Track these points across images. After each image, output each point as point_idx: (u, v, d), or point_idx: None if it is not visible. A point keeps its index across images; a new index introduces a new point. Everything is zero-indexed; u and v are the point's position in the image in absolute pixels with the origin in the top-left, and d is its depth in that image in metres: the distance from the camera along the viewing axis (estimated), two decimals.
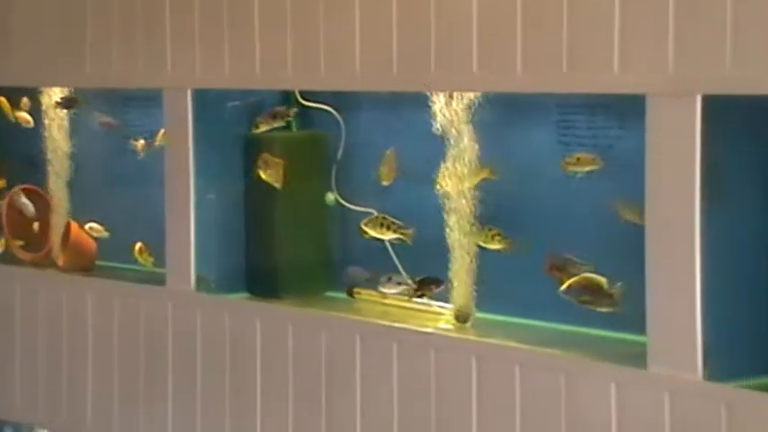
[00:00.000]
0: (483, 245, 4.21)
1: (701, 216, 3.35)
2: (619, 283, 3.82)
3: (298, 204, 4.63)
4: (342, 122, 4.63)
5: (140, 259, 5.20)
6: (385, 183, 4.37)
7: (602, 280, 3.83)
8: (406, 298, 4.40)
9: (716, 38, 3.27)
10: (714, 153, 3.35)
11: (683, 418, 3.39)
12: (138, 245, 5.21)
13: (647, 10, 3.42)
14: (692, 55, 3.35)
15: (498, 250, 4.18)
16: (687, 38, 3.35)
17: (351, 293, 4.58)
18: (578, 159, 3.96)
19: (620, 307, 3.82)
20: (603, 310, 3.84)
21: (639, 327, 3.58)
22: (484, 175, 4.18)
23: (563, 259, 3.96)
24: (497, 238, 4.18)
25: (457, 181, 4.17)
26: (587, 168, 3.92)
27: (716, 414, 3.32)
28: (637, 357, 3.53)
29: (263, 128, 4.64)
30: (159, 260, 4.89)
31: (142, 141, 5.12)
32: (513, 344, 3.93)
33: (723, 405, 3.31)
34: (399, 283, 4.39)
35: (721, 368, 3.38)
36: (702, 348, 3.37)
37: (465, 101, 4.18)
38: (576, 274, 3.87)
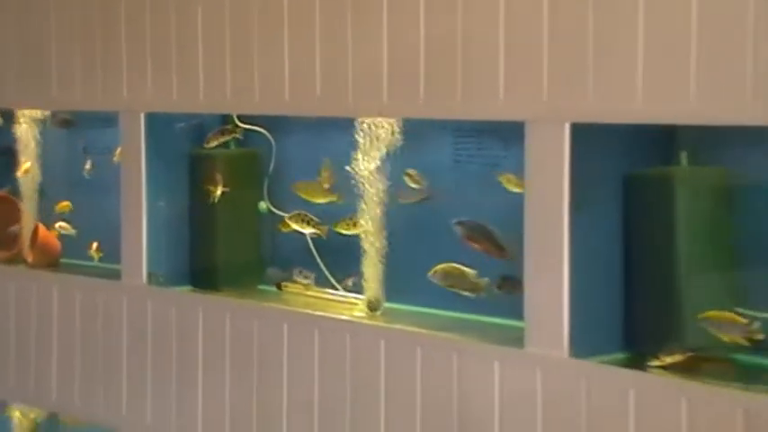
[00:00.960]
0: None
1: (568, 222, 3.46)
2: (485, 278, 3.96)
3: (234, 211, 4.66)
4: (273, 142, 4.67)
5: (94, 255, 5.22)
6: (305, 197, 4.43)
7: (467, 270, 3.96)
8: (326, 290, 4.47)
9: (581, 74, 3.37)
10: (579, 169, 3.45)
11: (553, 389, 3.50)
12: (95, 244, 5.23)
13: (527, 49, 3.49)
14: (562, 88, 3.44)
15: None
16: (558, 73, 3.44)
17: (279, 287, 4.61)
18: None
19: (483, 293, 3.96)
20: (467, 294, 3.97)
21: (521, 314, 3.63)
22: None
23: (477, 226, 4.01)
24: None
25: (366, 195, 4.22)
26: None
27: (579, 386, 3.43)
28: (516, 340, 3.60)
29: (213, 143, 4.69)
30: (114, 257, 4.86)
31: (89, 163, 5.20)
32: (414, 329, 4.02)
33: (584, 378, 3.44)
34: (307, 277, 4.47)
35: (584, 347, 3.49)
36: (569, 331, 3.48)
37: (381, 125, 4.19)
38: (490, 240, 3.96)
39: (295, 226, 4.45)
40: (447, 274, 4.05)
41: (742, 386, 3.26)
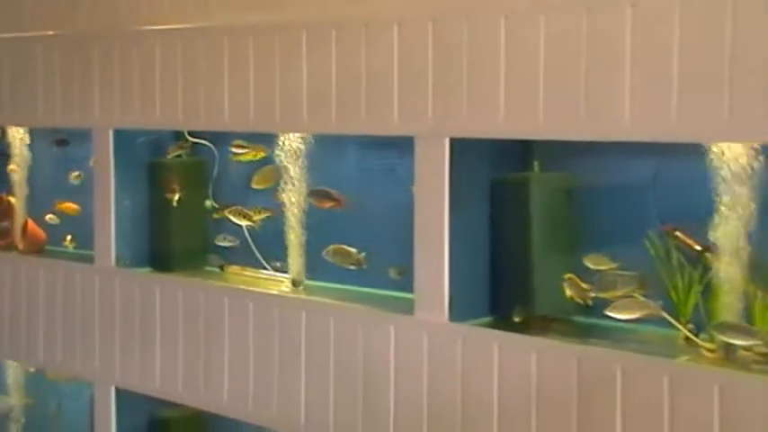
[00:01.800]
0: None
1: (448, 215, 3.54)
2: (362, 253, 4.07)
3: (186, 207, 4.66)
4: (216, 152, 4.69)
5: (69, 245, 5.23)
6: (259, 187, 4.41)
7: (351, 249, 4.07)
8: (258, 270, 4.49)
9: (457, 98, 3.46)
10: (456, 174, 3.54)
11: (437, 347, 3.57)
12: (69, 236, 5.25)
13: (416, 79, 3.56)
14: (442, 110, 3.51)
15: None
16: (440, 98, 3.51)
17: (221, 268, 4.63)
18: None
19: (363, 266, 4.07)
20: (352, 267, 4.07)
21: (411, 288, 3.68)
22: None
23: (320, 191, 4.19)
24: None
25: (288, 194, 4.29)
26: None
27: (456, 343, 3.52)
28: (408, 308, 3.67)
29: (172, 153, 4.71)
30: (89, 245, 4.83)
31: (76, 173, 5.17)
32: (328, 300, 4.06)
33: (460, 337, 3.52)
34: (228, 240, 4.55)
35: (460, 313, 3.58)
36: (448, 301, 3.55)
37: (297, 140, 4.25)
38: (328, 196, 4.16)
39: (234, 219, 4.47)
40: (335, 252, 4.13)
41: (577, 340, 3.39)
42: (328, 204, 4.23)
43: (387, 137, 3.81)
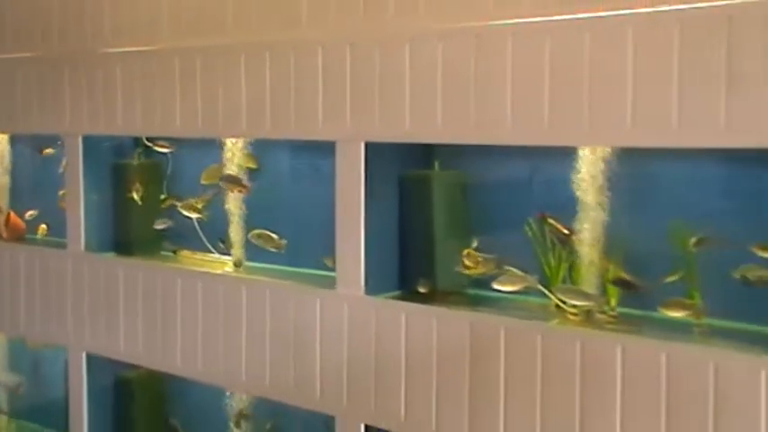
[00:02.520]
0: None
1: (363, 205, 3.57)
2: (284, 240, 4.08)
3: (145, 202, 4.61)
4: (169, 155, 4.66)
5: (42, 233, 5.17)
6: (207, 182, 4.37)
7: (272, 234, 4.07)
8: (206, 254, 4.45)
9: (370, 108, 3.49)
10: (370, 171, 3.57)
11: (355, 316, 3.61)
12: (43, 226, 5.20)
13: (336, 92, 3.58)
14: (358, 118, 3.54)
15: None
16: (356, 108, 3.54)
17: (175, 252, 4.62)
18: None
19: (283, 250, 4.07)
20: (273, 250, 4.09)
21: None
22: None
23: (230, 177, 4.10)
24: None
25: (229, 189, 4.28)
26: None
27: (371, 313, 3.55)
28: (331, 284, 3.69)
29: (136, 160, 4.66)
30: (62, 234, 4.77)
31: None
32: (264, 278, 4.04)
33: (374, 309, 3.54)
34: (165, 222, 4.52)
35: (374, 288, 3.60)
36: (364, 277, 3.58)
37: (241, 143, 4.23)
38: (236, 182, 4.13)
39: (185, 212, 4.44)
40: (259, 236, 4.12)
41: (469, 309, 3.44)
42: (237, 189, 4.23)
43: (312, 141, 3.80)
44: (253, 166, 4.25)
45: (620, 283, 3.25)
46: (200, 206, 4.41)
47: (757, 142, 2.71)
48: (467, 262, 3.52)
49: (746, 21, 2.70)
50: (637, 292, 3.24)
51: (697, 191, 3.20)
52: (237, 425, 4.42)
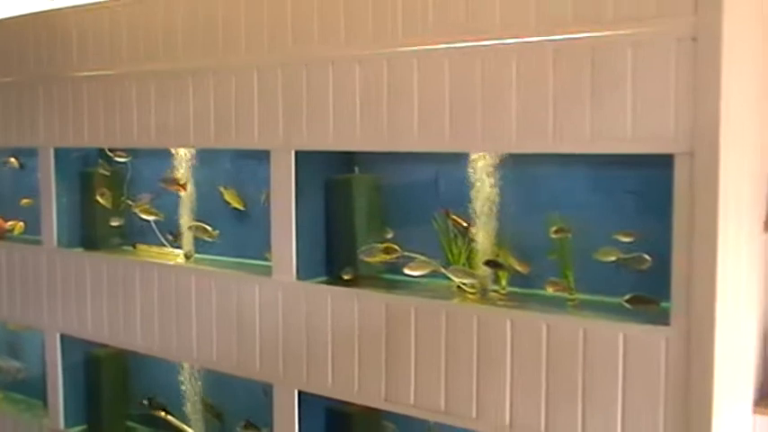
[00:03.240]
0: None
1: (294, 205, 3.55)
2: (216, 230, 4.05)
3: (108, 203, 4.57)
4: (129, 163, 4.60)
5: (17, 231, 5.08)
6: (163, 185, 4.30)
7: (207, 226, 4.06)
8: (161, 247, 4.37)
9: (299, 122, 3.48)
10: (300, 176, 3.55)
11: (288, 299, 3.59)
12: (19, 224, 5.10)
13: (269, 109, 3.56)
14: (289, 130, 3.51)
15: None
16: (288, 122, 3.51)
17: (134, 246, 4.54)
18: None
19: (217, 239, 4.04)
20: (209, 239, 4.07)
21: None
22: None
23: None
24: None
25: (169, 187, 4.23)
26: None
27: (301, 296, 3.55)
28: (268, 272, 3.67)
29: (101, 168, 4.58)
30: (37, 232, 4.71)
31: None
32: (210, 268, 4.00)
33: (304, 292, 3.54)
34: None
35: (304, 274, 3.59)
36: (295, 266, 3.56)
37: (188, 153, 4.20)
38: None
39: (144, 216, 4.39)
40: (196, 228, 4.10)
41: (385, 291, 3.45)
42: (174, 187, 4.19)
43: (250, 150, 3.77)
44: (239, 206, 4.15)
45: (491, 264, 3.29)
46: (146, 206, 4.36)
47: (616, 149, 2.77)
48: (377, 254, 3.52)
49: (605, 51, 2.75)
50: (506, 272, 3.30)
51: (570, 189, 3.24)
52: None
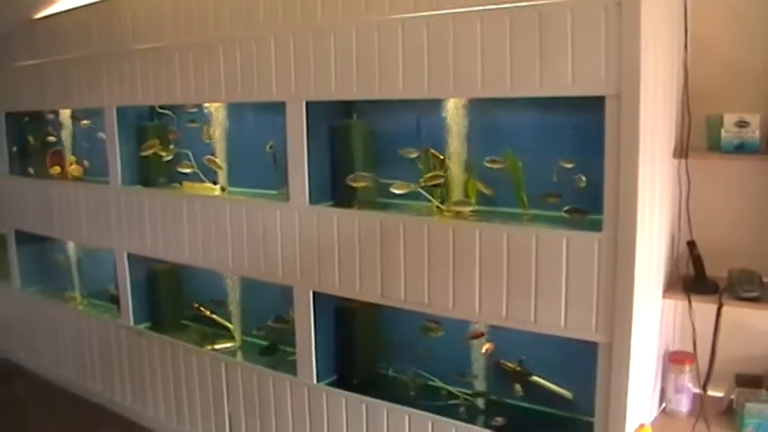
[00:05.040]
0: None
1: (306, 146, 3.48)
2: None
3: (159, 152, 4.40)
4: (175, 118, 4.43)
5: (76, 172, 4.96)
6: (207, 139, 4.16)
7: (216, 160, 3.96)
8: (203, 183, 4.21)
9: (307, 78, 3.39)
10: (311, 123, 3.47)
11: (303, 220, 3.49)
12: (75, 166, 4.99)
13: (283, 70, 3.46)
14: (301, 85, 3.44)
15: None
16: (299, 79, 3.43)
17: (181, 184, 4.32)
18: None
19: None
20: (216, 169, 3.94)
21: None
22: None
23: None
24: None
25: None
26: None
27: (313, 216, 3.48)
28: (286, 199, 3.58)
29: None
30: (103, 174, 4.59)
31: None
32: (242, 197, 3.91)
33: (316, 213, 3.46)
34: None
35: (315, 199, 3.52)
36: (308, 194, 3.51)
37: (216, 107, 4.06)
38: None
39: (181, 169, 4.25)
40: (209, 161, 4.02)
41: (380, 211, 3.37)
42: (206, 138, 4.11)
43: (269, 102, 3.66)
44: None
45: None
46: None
47: (560, 93, 2.73)
48: (359, 180, 3.47)
49: (550, 16, 2.71)
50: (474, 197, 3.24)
51: (525, 127, 3.21)
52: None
